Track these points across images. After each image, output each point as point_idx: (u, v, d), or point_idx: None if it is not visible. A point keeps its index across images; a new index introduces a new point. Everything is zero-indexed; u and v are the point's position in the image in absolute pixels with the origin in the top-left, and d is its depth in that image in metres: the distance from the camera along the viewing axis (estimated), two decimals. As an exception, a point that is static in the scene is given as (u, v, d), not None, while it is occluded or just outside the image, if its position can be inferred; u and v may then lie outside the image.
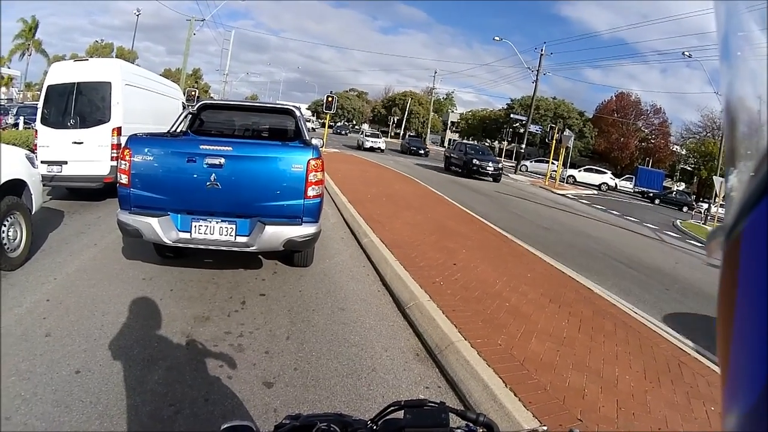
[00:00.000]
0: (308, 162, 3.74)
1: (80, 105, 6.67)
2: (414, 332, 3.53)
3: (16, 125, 14.92)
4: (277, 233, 3.72)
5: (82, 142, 6.53)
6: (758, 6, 0.26)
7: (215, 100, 7.81)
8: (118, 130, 6.59)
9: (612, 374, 3.08)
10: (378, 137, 31.88)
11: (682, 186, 37.45)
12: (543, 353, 3.20)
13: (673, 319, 5.06)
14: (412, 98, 62.77)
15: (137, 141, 3.73)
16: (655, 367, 3.32)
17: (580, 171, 32.20)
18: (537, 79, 29.40)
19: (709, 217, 19.54)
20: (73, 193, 6.88)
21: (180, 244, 3.75)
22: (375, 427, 0.74)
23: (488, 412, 2.45)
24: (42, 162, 5.80)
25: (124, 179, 3.65)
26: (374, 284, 4.51)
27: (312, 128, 36.79)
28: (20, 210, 4.09)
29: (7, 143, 4.98)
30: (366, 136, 31.49)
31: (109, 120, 6.61)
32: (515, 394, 2.61)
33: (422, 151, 32.13)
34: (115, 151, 6.47)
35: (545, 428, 0.80)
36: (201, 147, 3.68)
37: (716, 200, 18.39)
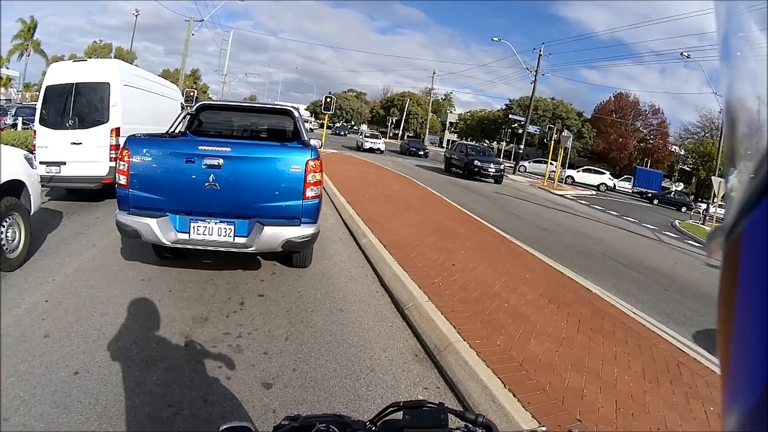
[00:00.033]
0: (307, 163, 3.74)
1: (79, 105, 6.66)
2: (413, 333, 3.52)
3: (14, 126, 14.84)
4: (276, 234, 3.71)
5: (80, 143, 6.53)
6: (758, 6, 0.26)
7: (214, 100, 7.81)
8: (117, 131, 6.59)
9: (611, 375, 3.08)
10: (377, 138, 31.68)
11: (680, 186, 37.45)
12: (542, 354, 3.20)
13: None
14: (410, 99, 62.82)
15: (136, 142, 3.72)
16: (654, 367, 3.32)
17: (578, 171, 32.19)
18: (535, 79, 29.45)
19: (707, 218, 19.60)
20: (71, 193, 6.87)
21: (179, 245, 3.74)
22: (374, 428, 0.74)
23: (487, 412, 2.45)
24: (40, 163, 5.79)
25: (122, 180, 3.65)
26: (373, 285, 4.51)
27: (310, 129, 36.83)
28: (19, 211, 4.08)
29: (6, 144, 4.97)
30: (365, 136, 31.30)
31: (107, 121, 6.61)
32: (514, 395, 2.61)
33: (421, 152, 32.04)
34: (113, 151, 6.46)
35: (544, 429, 0.80)
36: (199, 148, 3.68)
37: (715, 200, 18.42)
